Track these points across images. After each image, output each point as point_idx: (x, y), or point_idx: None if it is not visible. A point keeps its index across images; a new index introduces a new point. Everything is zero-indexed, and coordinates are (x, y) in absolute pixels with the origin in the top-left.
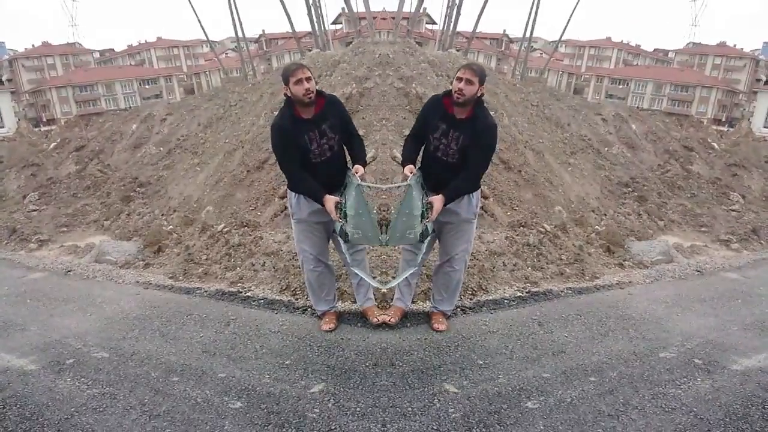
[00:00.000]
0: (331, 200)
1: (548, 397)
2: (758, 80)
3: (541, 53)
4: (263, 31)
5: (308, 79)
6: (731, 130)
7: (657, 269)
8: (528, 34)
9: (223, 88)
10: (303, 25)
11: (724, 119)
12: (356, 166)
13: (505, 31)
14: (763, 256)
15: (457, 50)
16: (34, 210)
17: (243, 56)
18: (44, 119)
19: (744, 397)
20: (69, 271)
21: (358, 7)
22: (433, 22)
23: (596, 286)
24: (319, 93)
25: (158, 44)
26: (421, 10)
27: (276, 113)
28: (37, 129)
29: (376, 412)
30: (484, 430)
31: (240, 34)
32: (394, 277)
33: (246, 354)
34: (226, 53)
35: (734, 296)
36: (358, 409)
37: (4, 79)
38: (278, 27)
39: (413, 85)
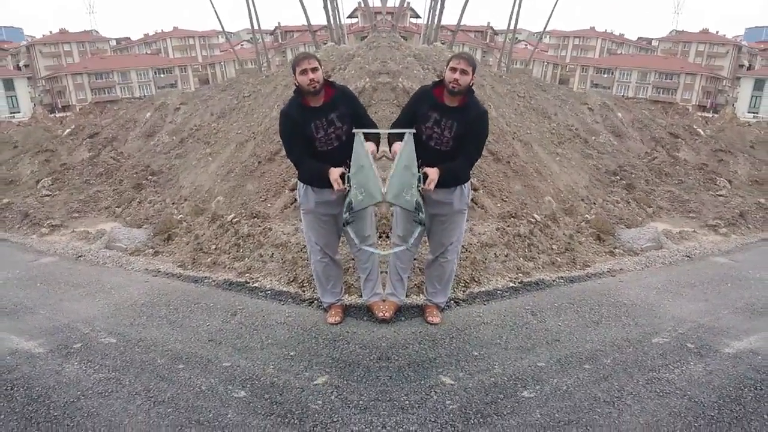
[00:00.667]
0: (336, 171)
1: (544, 385)
2: (741, 66)
3: (526, 44)
4: (279, 23)
5: (314, 69)
6: (716, 116)
7: (647, 256)
8: (512, 26)
9: (237, 79)
10: (319, 18)
11: (708, 105)
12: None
13: (489, 23)
14: (750, 239)
15: (443, 43)
16: (47, 195)
17: (258, 48)
18: (59, 105)
19: (736, 379)
20: (80, 256)
21: (374, 1)
22: (417, 16)
23: (588, 275)
24: (330, 83)
25: (174, 34)
26: (405, 4)
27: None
28: (52, 115)
29: (378, 406)
30: (481, 420)
31: (256, 26)
32: (384, 272)
33: (251, 344)
34: (242, 44)
35: (724, 280)
36: (360, 402)
37: (21, 64)
38: (294, 20)
39: (400, 79)
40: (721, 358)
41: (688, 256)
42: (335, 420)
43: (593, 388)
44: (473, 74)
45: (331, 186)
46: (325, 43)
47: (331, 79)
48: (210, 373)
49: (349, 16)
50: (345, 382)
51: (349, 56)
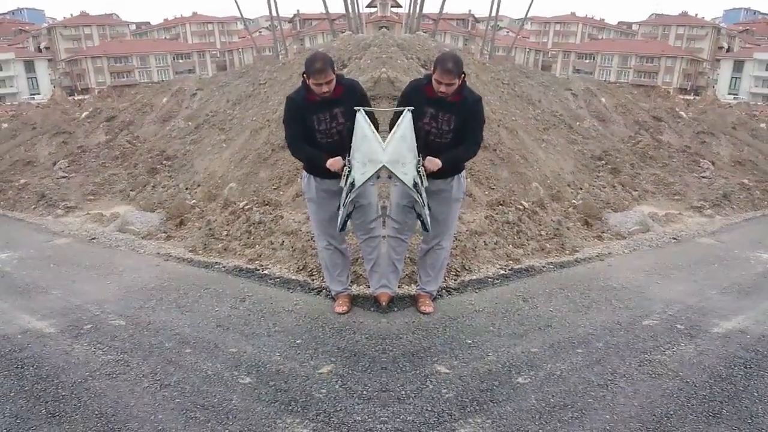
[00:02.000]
0: (332, 159)
1: (538, 371)
2: (720, 48)
3: (508, 31)
4: (298, 11)
5: (328, 82)
6: (697, 98)
7: (634, 239)
8: (494, 13)
9: (253, 66)
10: (337, 6)
11: (689, 88)
12: None
13: (470, 10)
14: (735, 220)
15: (425, 32)
16: (63, 177)
17: (276, 35)
18: (79, 88)
19: (727, 359)
20: (93, 238)
21: None
22: (398, 6)
23: (577, 260)
24: (339, 79)
25: (193, 19)
26: None
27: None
28: (71, 97)
29: (382, 397)
30: (477, 408)
31: (274, 13)
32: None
33: (259, 331)
34: (260, 32)
35: (710, 261)
36: (365, 392)
37: (42, 46)
38: (313, 7)
39: (383, 69)
40: (711, 338)
41: (675, 238)
42: (339, 409)
43: (587, 372)
44: (460, 77)
45: (330, 176)
46: (342, 32)
47: (343, 71)
48: (216, 359)
49: (368, 6)
50: (350, 371)
51: (365, 45)
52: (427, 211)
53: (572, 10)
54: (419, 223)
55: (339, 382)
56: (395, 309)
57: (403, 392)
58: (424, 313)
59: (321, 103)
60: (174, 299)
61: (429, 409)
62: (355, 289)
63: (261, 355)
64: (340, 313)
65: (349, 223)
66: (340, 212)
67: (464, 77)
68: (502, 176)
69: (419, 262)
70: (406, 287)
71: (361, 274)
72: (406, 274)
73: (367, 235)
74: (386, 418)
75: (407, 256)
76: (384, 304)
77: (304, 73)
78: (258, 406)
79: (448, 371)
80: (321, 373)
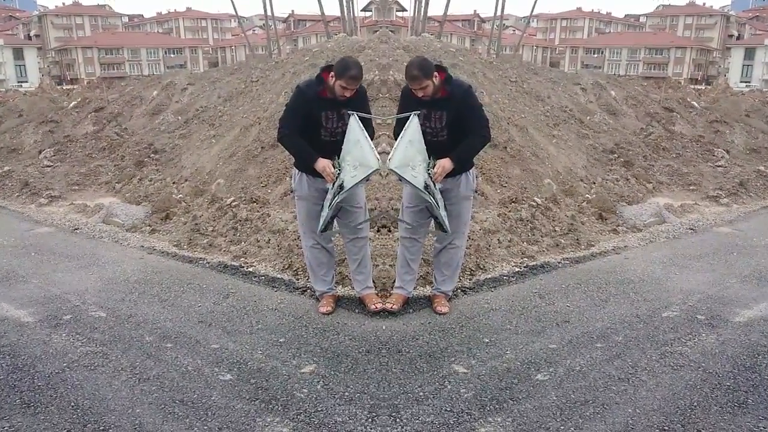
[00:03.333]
0: (323, 161)
1: (557, 367)
2: (730, 36)
3: (514, 30)
4: (292, 11)
5: (353, 89)
6: (709, 87)
7: (650, 231)
8: (499, 12)
9: (246, 64)
10: (332, 8)
11: (700, 78)
12: None
13: (476, 11)
14: (753, 207)
15: (431, 34)
16: (48, 166)
17: (270, 34)
18: (68, 78)
19: (750, 348)
20: (76, 229)
21: None
22: (404, 9)
23: (592, 254)
24: None
25: (187, 15)
26: None
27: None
28: (60, 87)
29: (364, 398)
30: (497, 406)
31: (269, 12)
32: (392, 265)
33: (241, 328)
34: (254, 30)
35: (729, 250)
36: (346, 393)
37: (32, 34)
38: (307, 8)
39: (390, 72)
40: (732, 327)
41: (692, 229)
42: (320, 409)
43: (607, 367)
44: (433, 76)
45: (321, 174)
46: (336, 34)
47: None
48: (197, 354)
49: (363, 9)
50: (332, 372)
51: (360, 48)
52: (443, 213)
53: (578, 6)
54: (433, 222)
55: (321, 382)
56: (411, 310)
57: (422, 393)
58: (440, 314)
59: (333, 101)
60: (156, 293)
61: (448, 409)
62: (340, 290)
63: (243, 353)
64: (324, 314)
65: (335, 224)
66: (324, 213)
67: (445, 73)
68: (513, 174)
69: (434, 261)
70: (421, 288)
71: (346, 275)
72: (421, 276)
73: (354, 235)
74: (404, 420)
75: (422, 257)
76: (396, 307)
77: (327, 70)
78: (238, 404)
79: (466, 371)
80: (303, 373)
